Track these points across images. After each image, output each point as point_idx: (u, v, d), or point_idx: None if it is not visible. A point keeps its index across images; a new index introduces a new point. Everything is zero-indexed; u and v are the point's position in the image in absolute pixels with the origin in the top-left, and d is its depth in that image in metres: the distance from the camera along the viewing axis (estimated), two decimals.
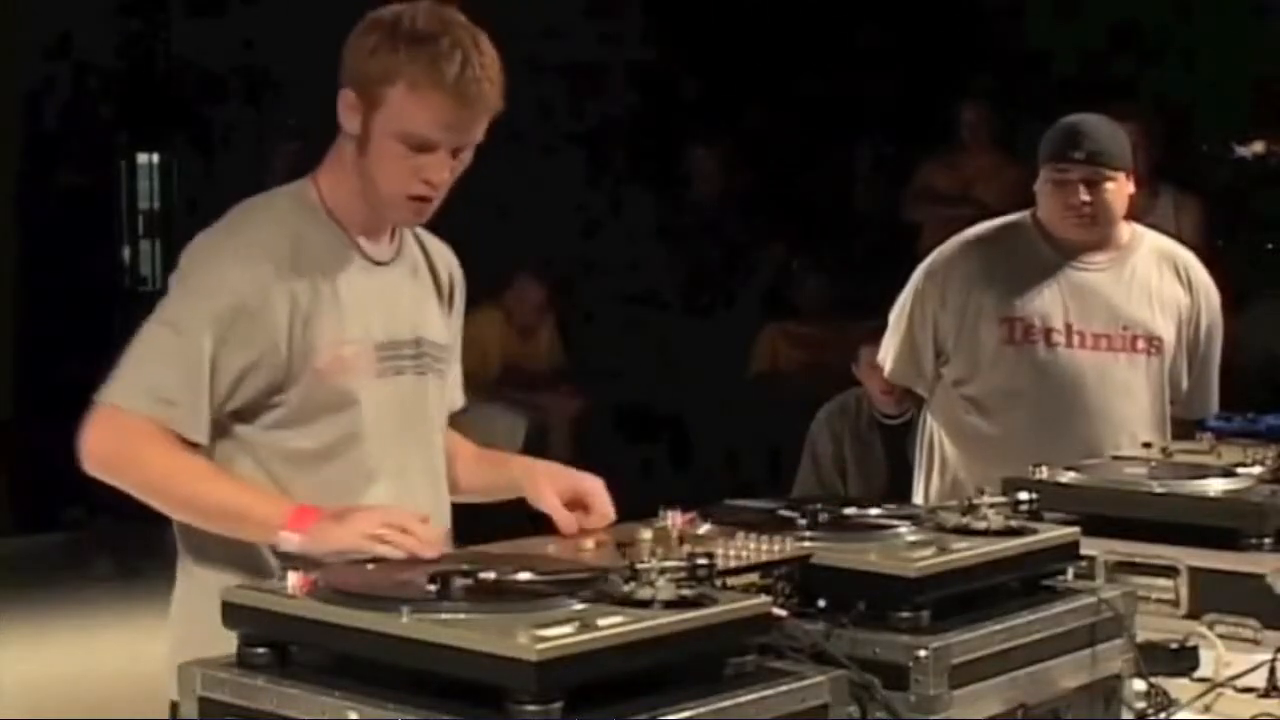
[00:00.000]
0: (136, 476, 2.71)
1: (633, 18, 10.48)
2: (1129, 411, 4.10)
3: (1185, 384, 4.18)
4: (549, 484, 2.77)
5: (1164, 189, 6.89)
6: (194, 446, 2.71)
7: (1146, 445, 3.74)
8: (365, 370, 2.79)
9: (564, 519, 2.67)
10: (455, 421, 3.08)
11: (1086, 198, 4.05)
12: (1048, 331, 4.09)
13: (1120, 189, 4.09)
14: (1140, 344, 4.12)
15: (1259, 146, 9.43)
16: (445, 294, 3.00)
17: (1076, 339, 4.10)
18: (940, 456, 4.25)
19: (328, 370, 2.75)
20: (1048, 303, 4.10)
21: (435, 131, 2.72)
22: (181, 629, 2.85)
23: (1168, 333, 4.14)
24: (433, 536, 2.46)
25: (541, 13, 9.68)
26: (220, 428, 2.75)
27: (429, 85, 2.69)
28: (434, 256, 3.00)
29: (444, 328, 2.98)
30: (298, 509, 2.62)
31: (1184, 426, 4.11)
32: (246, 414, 2.75)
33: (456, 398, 3.09)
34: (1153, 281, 4.16)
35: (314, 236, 2.79)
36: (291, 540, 2.59)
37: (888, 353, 4.29)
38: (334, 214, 2.82)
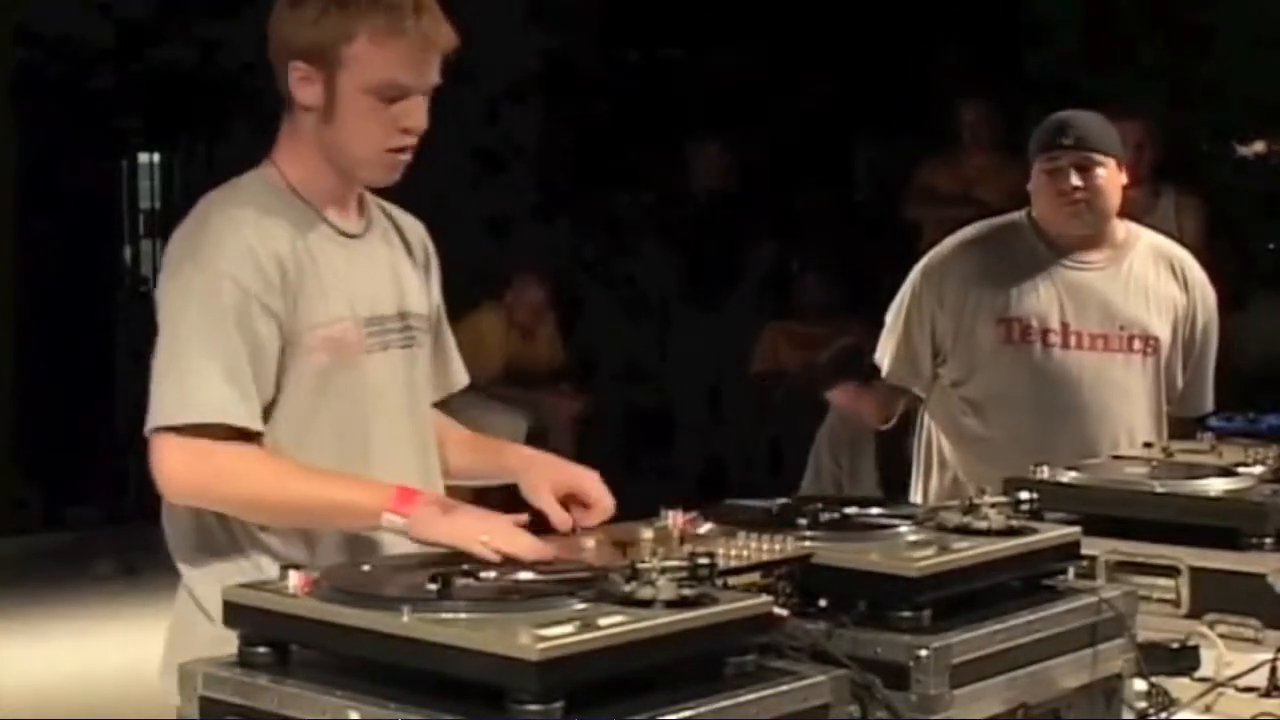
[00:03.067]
0: (229, 498, 2.68)
1: (634, 15, 10.48)
2: (1126, 411, 4.10)
3: (1180, 383, 4.18)
4: (544, 480, 2.73)
5: (1165, 189, 6.89)
6: (257, 438, 2.66)
7: (1148, 445, 3.74)
8: (354, 347, 2.76)
9: (559, 517, 2.64)
10: (454, 412, 3.07)
11: (1078, 182, 4.05)
12: (1044, 332, 4.09)
13: (1111, 177, 4.08)
14: (1137, 344, 4.12)
15: (1259, 146, 9.43)
16: (421, 263, 2.97)
17: (1073, 339, 4.09)
18: (938, 457, 4.25)
19: (319, 350, 2.72)
20: (1044, 303, 4.10)
21: (406, 76, 2.72)
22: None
23: (1164, 332, 4.14)
24: (531, 551, 2.36)
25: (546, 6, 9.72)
26: None
27: (391, 32, 2.69)
28: (403, 226, 2.97)
29: (424, 298, 2.95)
30: (398, 492, 2.58)
31: (1180, 425, 4.11)
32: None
33: (458, 375, 3.08)
34: (1149, 280, 4.16)
35: (286, 216, 2.76)
36: (395, 523, 2.57)
37: (885, 353, 4.29)
38: (299, 192, 2.79)
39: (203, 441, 2.62)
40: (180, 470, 2.64)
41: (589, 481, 2.74)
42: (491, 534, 2.36)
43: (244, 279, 2.67)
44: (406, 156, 2.79)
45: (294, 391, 2.71)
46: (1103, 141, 4.08)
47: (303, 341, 2.71)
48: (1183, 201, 6.95)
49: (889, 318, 4.28)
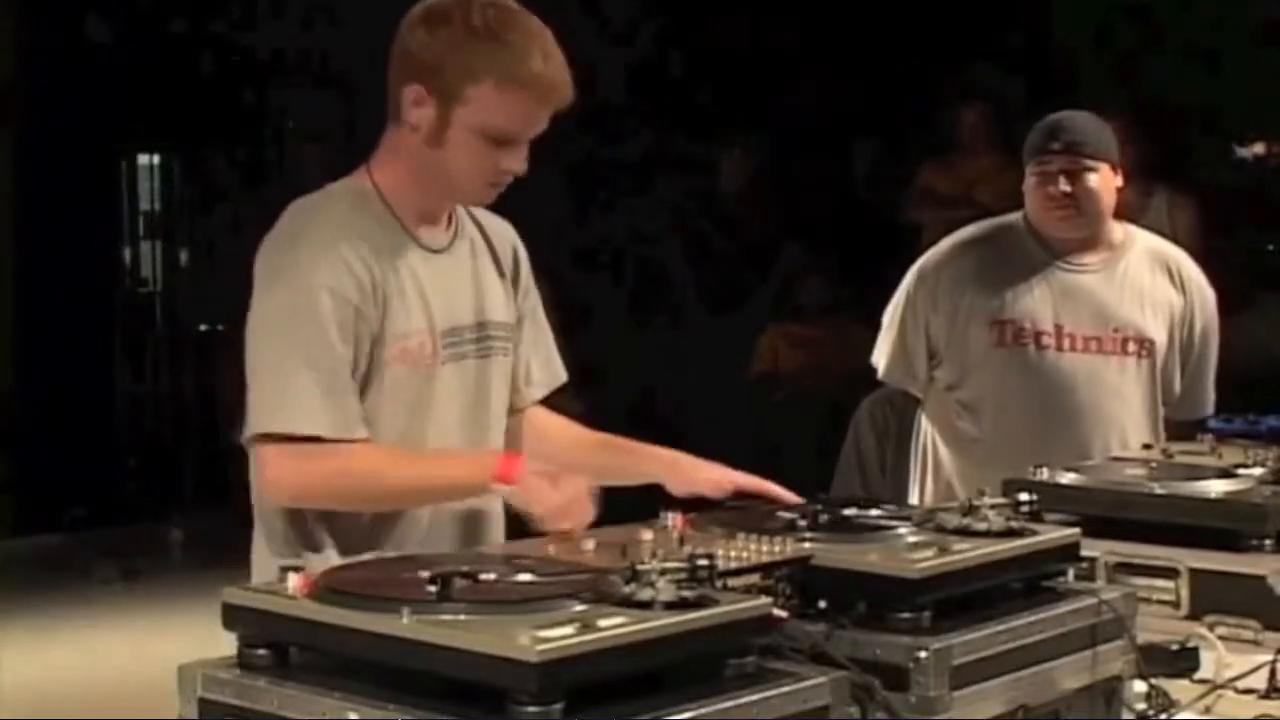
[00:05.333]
0: (335, 493, 2.74)
1: (643, 14, 10.48)
2: (1121, 414, 4.08)
3: (1178, 386, 4.16)
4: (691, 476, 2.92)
5: (1158, 188, 6.88)
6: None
7: (1147, 447, 3.73)
8: (431, 359, 2.82)
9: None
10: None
11: (1067, 188, 4.03)
12: (1037, 334, 4.07)
13: (1104, 180, 4.06)
14: (1131, 346, 4.10)
15: (1259, 147, 9.43)
16: (508, 272, 3.03)
17: (1066, 341, 4.07)
18: (934, 460, 4.24)
19: (396, 361, 2.78)
20: (1037, 305, 4.08)
21: (519, 126, 2.78)
22: None
23: (1159, 334, 4.12)
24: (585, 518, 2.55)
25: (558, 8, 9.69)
26: None
27: (516, 83, 2.74)
28: (492, 235, 3.02)
29: (507, 306, 3.00)
30: (502, 460, 2.68)
31: (1179, 428, 4.10)
32: None
33: (557, 372, 3.16)
34: (1145, 282, 4.14)
35: (373, 230, 2.82)
36: (503, 490, 2.66)
37: (881, 355, 4.29)
38: (390, 204, 2.85)
39: (303, 445, 2.68)
40: (284, 475, 2.72)
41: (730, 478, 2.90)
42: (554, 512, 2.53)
43: (343, 289, 2.72)
44: (501, 188, 2.86)
45: (370, 398, 2.77)
46: (1094, 145, 4.06)
47: (385, 352, 2.77)
48: (1176, 200, 6.94)
49: (885, 319, 4.28)
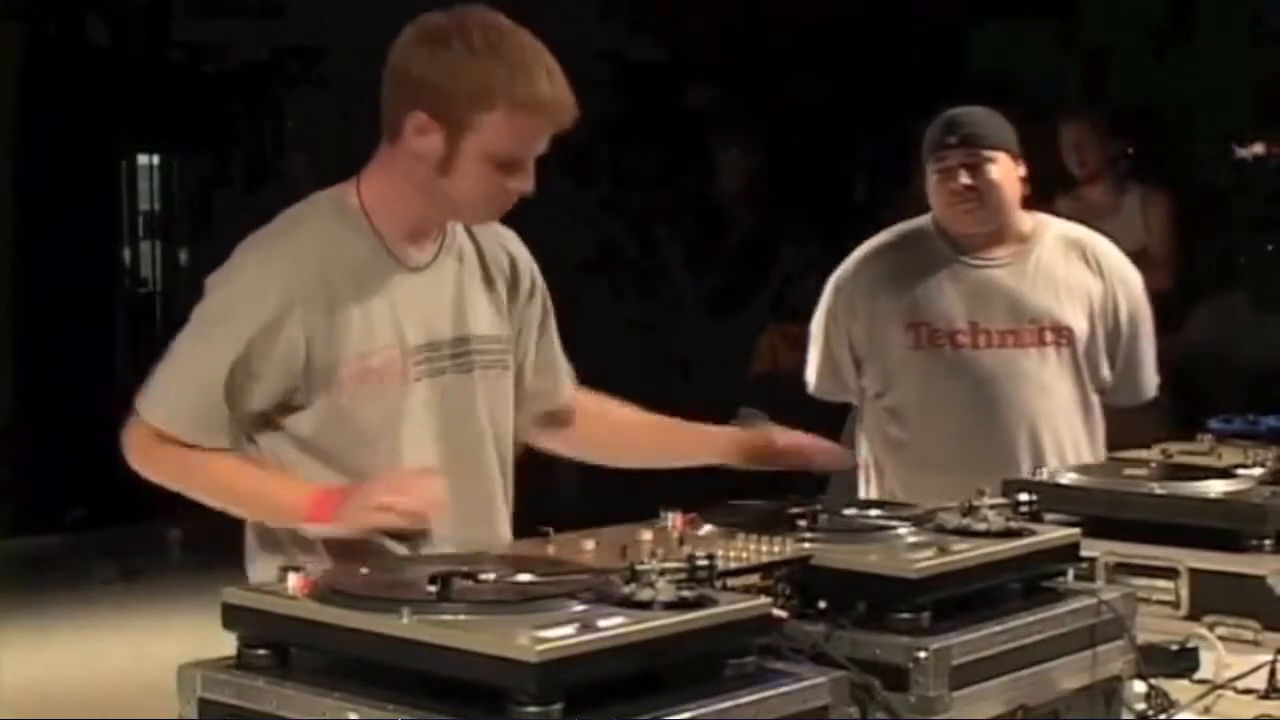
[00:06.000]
0: (171, 477, 2.79)
1: (639, 15, 10.48)
2: (1046, 406, 4.00)
3: (1106, 372, 4.07)
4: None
5: (1131, 187, 6.86)
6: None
7: (1147, 448, 3.72)
8: (398, 376, 2.79)
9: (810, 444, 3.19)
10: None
11: (967, 180, 3.97)
12: (952, 334, 4.00)
13: (1005, 170, 3.99)
14: (1049, 336, 4.01)
15: (1259, 148, 9.42)
16: (502, 282, 2.98)
17: (982, 338, 4.00)
18: (876, 467, 4.19)
19: (355, 380, 2.76)
20: (949, 304, 4.02)
21: (527, 150, 2.73)
22: None
23: (1078, 322, 4.02)
24: (430, 492, 2.52)
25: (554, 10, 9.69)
26: (255, 432, 2.80)
27: (528, 109, 2.69)
28: (486, 245, 2.97)
29: (496, 318, 2.95)
30: (316, 497, 2.67)
31: (1121, 414, 4.05)
32: (271, 423, 2.79)
33: (564, 376, 3.17)
34: (1059, 271, 4.05)
35: (350, 246, 2.80)
36: (314, 530, 2.66)
37: (810, 369, 4.26)
38: (373, 221, 2.82)
39: (152, 430, 2.76)
40: (131, 445, 2.79)
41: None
42: (388, 501, 2.52)
43: (267, 311, 2.72)
44: (508, 208, 2.84)
45: (330, 409, 2.76)
46: (991, 136, 4.00)
47: (339, 367, 2.75)
48: (1149, 198, 6.91)
49: (811, 330, 4.25)
